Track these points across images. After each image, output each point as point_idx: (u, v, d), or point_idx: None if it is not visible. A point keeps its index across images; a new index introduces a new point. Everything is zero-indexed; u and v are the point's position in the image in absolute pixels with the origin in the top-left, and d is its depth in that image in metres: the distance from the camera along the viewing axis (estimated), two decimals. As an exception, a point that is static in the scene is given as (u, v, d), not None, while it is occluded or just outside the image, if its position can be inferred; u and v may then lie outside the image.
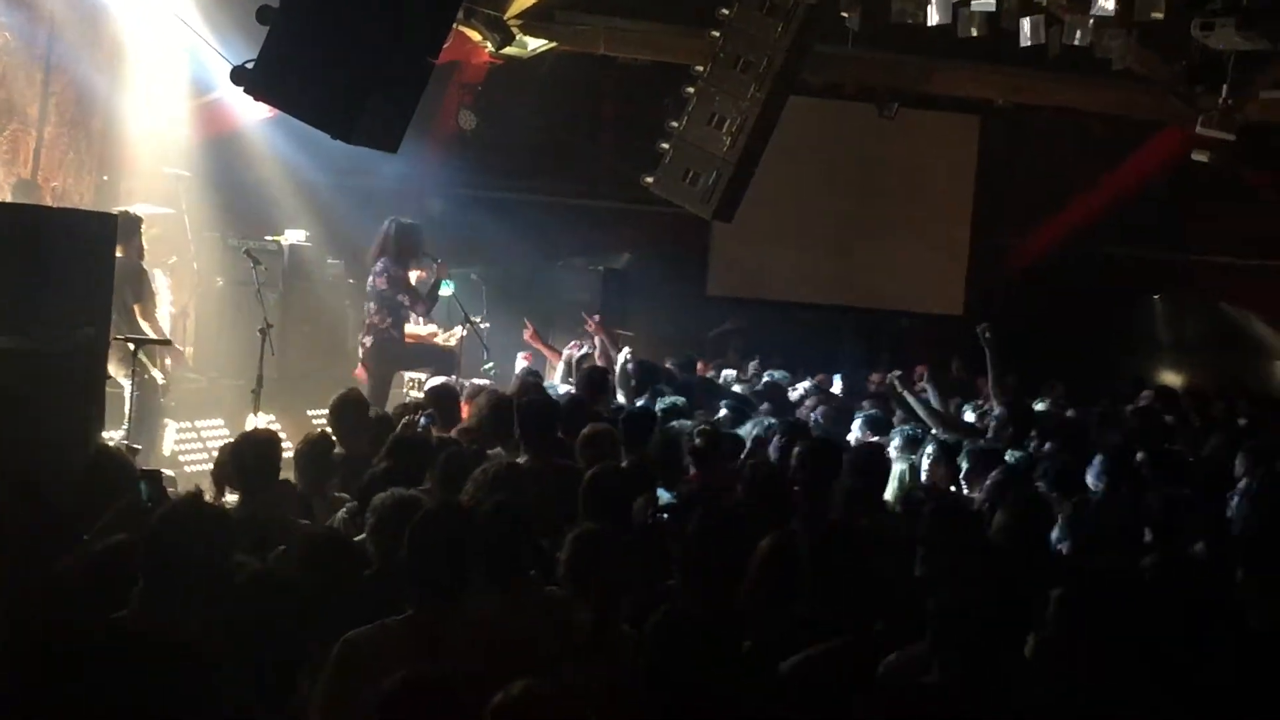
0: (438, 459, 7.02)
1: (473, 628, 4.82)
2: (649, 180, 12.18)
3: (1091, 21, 11.62)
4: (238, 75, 7.04)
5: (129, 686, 3.52)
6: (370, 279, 12.34)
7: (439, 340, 13.32)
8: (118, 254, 11.17)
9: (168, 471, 8.87)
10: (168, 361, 11.57)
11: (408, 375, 12.85)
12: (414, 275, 12.63)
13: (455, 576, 4.91)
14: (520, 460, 7.53)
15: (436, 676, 3.78)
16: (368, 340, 12.28)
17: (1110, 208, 19.06)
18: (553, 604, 5.22)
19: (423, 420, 8.73)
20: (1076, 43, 11.89)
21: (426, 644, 4.67)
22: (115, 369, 10.26)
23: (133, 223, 11.38)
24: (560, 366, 12.34)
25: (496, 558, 5.16)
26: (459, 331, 13.51)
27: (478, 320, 13.56)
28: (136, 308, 11.01)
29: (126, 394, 10.53)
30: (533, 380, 10.67)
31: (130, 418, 10.32)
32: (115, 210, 11.22)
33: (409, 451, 7.31)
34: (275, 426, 11.36)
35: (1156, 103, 15.12)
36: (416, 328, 13.00)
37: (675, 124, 12.01)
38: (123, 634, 4.17)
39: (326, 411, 8.88)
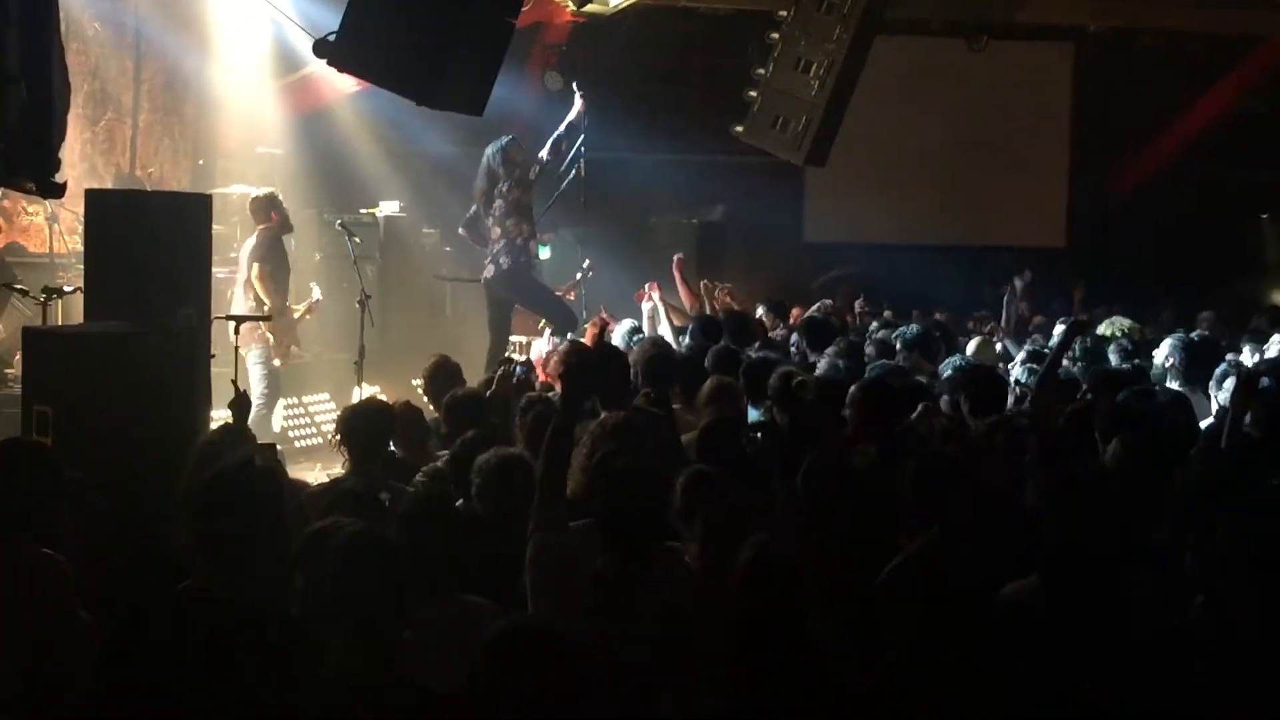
0: (526, 418, 7.00)
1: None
2: (738, 129, 12.07)
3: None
4: (320, 48, 7.07)
5: (206, 656, 3.58)
6: (495, 205, 12.21)
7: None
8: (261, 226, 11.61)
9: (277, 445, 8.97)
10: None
11: (511, 338, 12.74)
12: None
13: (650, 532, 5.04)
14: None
15: (542, 626, 3.77)
16: (504, 261, 12.11)
17: (1211, 129, 18.68)
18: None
19: (519, 370, 8.72)
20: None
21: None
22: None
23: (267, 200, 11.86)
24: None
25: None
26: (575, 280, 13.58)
27: (587, 270, 13.59)
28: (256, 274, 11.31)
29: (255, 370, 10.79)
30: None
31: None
32: (214, 191, 11.44)
33: (463, 409, 7.41)
34: (381, 397, 11.48)
35: (1254, 17, 14.76)
36: None
37: (762, 71, 11.88)
38: (191, 603, 4.22)
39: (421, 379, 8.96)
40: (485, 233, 12.33)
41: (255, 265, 11.53)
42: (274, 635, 3.75)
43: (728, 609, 4.58)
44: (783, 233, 18.61)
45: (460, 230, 12.85)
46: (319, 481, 7.58)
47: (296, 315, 12.17)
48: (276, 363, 11.66)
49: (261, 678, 3.64)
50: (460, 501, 5.97)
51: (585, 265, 13.73)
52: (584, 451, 6.24)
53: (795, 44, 11.75)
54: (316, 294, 12.36)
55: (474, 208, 12.39)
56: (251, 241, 11.68)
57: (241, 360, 10.33)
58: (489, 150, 12.22)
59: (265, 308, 11.38)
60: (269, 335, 11.45)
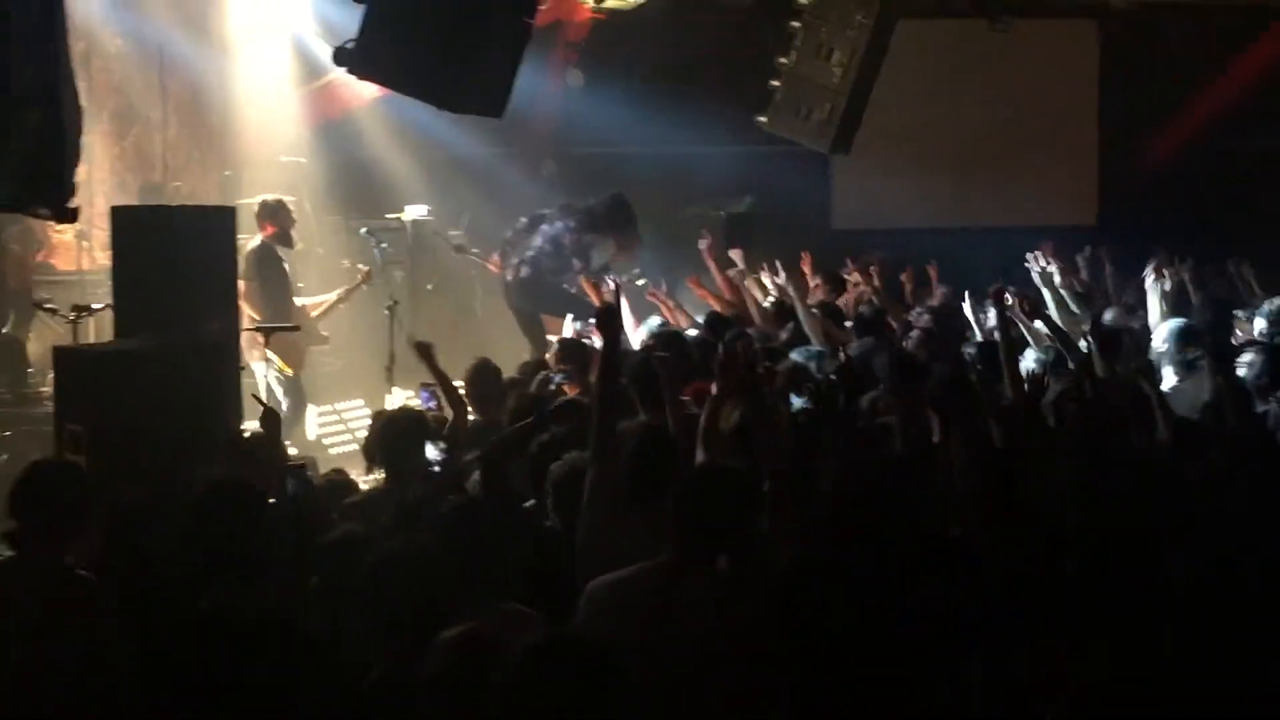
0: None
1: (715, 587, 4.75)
2: (762, 119, 12.03)
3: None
4: (340, 56, 7.07)
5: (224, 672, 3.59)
6: (557, 223, 12.27)
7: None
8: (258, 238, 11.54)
9: (311, 456, 8.97)
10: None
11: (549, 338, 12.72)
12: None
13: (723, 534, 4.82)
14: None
15: (578, 639, 3.73)
16: (524, 271, 12.18)
17: (1240, 100, 18.49)
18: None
19: (556, 378, 8.68)
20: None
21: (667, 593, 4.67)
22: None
23: (267, 209, 11.73)
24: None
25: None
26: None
27: (635, 277, 13.63)
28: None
29: (263, 382, 10.71)
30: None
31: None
32: (241, 202, 11.44)
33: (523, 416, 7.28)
34: (414, 402, 11.46)
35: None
36: None
37: (784, 60, 11.83)
38: (209, 619, 4.23)
39: (461, 381, 8.91)
40: (529, 237, 12.42)
41: (240, 282, 11.49)
42: (293, 647, 3.75)
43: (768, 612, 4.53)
44: (811, 221, 18.49)
45: (523, 219, 12.90)
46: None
47: (317, 313, 12.19)
48: (289, 372, 11.60)
49: (279, 691, 3.65)
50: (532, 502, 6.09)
51: (635, 273, 13.71)
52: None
53: (817, 31, 11.70)
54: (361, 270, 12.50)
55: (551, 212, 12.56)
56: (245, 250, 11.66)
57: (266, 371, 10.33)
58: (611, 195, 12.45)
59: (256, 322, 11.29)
60: (268, 352, 11.36)
